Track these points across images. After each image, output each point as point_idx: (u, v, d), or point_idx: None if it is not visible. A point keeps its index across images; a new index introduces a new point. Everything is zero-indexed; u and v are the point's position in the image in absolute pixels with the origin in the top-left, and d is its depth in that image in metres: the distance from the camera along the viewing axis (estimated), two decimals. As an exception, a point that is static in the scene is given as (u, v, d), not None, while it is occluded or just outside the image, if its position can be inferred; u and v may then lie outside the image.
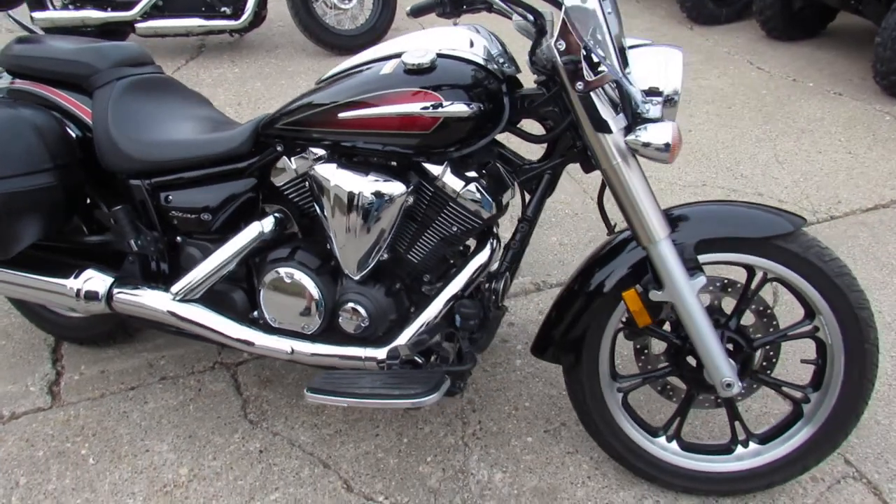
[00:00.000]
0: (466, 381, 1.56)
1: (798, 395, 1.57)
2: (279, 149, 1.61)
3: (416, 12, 1.52)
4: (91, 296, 1.72)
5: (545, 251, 2.61)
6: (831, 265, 1.42)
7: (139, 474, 1.77)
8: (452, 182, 1.49)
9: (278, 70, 4.55)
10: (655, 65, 1.37)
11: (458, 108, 1.38)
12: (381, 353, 1.57)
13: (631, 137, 1.32)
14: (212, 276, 1.68)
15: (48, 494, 1.73)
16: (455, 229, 1.53)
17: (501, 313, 1.77)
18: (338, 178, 1.49)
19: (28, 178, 1.61)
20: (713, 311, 1.57)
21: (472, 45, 1.46)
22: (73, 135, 1.77)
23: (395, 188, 1.47)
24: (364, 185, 1.47)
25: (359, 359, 1.60)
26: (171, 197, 1.73)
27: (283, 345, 1.65)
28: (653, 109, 1.38)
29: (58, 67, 1.78)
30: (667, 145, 1.28)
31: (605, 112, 1.33)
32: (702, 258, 1.46)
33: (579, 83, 1.30)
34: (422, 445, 1.82)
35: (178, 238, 1.78)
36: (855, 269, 2.43)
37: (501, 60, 1.48)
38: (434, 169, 1.50)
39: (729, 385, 1.44)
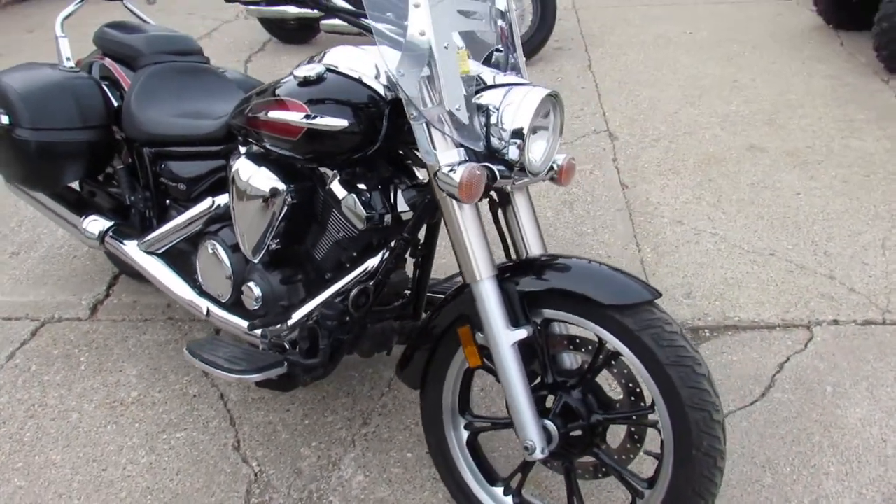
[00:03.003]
0: (312, 376, 1.65)
1: (639, 487, 1.41)
2: (239, 138, 1.84)
3: None
4: (89, 234, 2.12)
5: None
6: (668, 351, 1.27)
7: (105, 387, 2.14)
8: (337, 190, 1.60)
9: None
10: (513, 105, 1.35)
11: (328, 121, 1.48)
12: (258, 332, 1.73)
13: (442, 173, 1.31)
14: (169, 236, 1.98)
15: (42, 383, 2.17)
16: (341, 234, 1.63)
17: (398, 326, 1.81)
18: (238, 167, 1.68)
19: (62, 132, 2.04)
20: (574, 374, 1.47)
21: (376, 67, 1.53)
22: (115, 104, 2.17)
23: (277, 186, 1.62)
24: (254, 178, 1.64)
25: (246, 333, 1.77)
26: (163, 165, 2.05)
27: (202, 304, 1.89)
28: (511, 150, 1.36)
29: (118, 49, 2.21)
30: (457, 185, 1.26)
31: (439, 144, 1.34)
32: (547, 313, 1.40)
33: (413, 111, 1.33)
34: (316, 431, 1.94)
35: (167, 201, 2.10)
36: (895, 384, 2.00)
37: None
38: (327, 175, 1.62)
39: (527, 448, 1.36)
